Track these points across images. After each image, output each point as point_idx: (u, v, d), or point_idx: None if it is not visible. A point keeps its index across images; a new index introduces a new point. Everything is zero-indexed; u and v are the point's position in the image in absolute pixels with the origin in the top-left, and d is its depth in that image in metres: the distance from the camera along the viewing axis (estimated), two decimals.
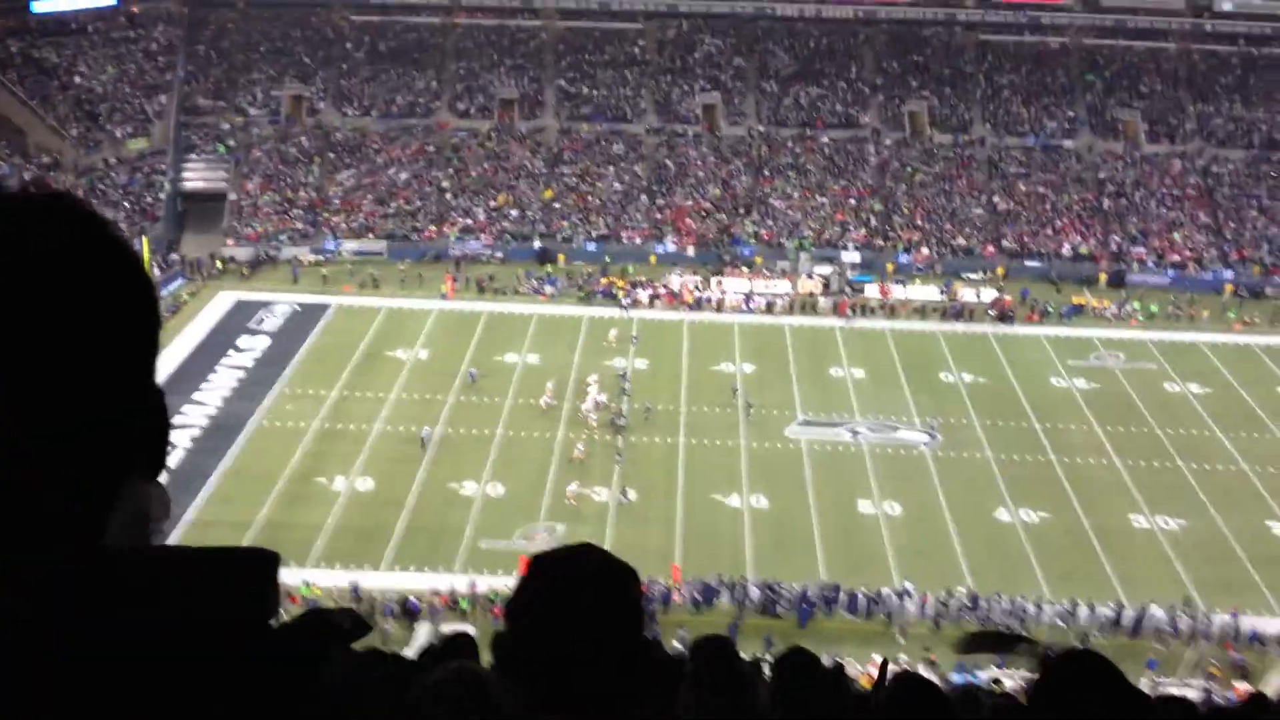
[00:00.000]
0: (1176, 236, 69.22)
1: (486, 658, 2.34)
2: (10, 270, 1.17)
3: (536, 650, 2.11)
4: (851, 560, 40.41)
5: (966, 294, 63.36)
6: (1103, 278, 66.50)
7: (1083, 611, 37.35)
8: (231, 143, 71.62)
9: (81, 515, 1.24)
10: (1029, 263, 67.77)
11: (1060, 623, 37.09)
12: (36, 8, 70.85)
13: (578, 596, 2.13)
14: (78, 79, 70.61)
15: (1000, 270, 66.67)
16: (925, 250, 68.16)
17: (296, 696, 1.23)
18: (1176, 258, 68.01)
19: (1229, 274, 66.74)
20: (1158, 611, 37.52)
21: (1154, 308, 62.64)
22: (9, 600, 1.11)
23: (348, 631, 1.38)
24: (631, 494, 43.81)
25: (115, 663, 1.11)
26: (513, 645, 2.14)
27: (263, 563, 1.33)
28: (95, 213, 1.29)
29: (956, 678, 30.42)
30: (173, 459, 45.11)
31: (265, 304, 60.12)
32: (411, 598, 36.66)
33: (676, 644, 28.30)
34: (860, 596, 37.94)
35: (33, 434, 1.19)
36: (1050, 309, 62.26)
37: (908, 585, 38.53)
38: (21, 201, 1.22)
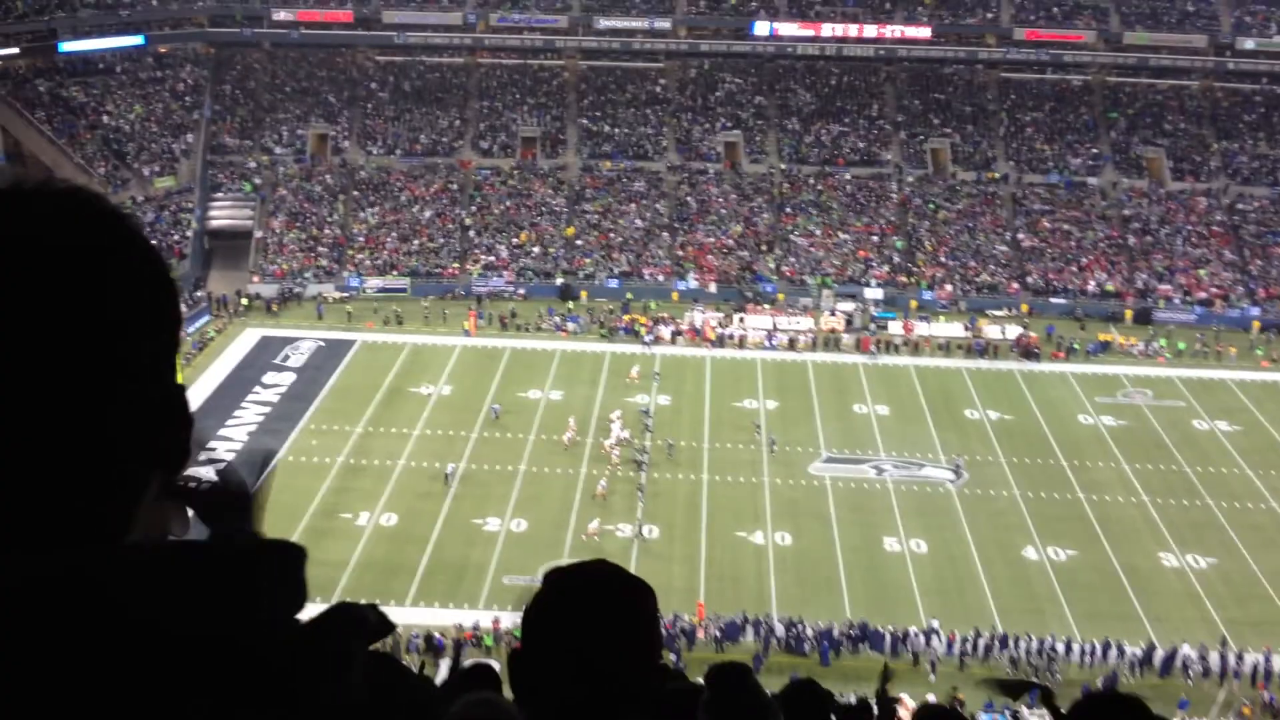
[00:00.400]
0: (1203, 273, 68.91)
1: (508, 691, 2.30)
2: (38, 263, 1.15)
3: (551, 663, 2.08)
4: (877, 598, 40.10)
5: (991, 330, 63.14)
6: (1129, 315, 66.20)
7: (1112, 651, 36.89)
8: (257, 181, 72.23)
9: (107, 512, 1.23)
10: (1054, 299, 67.54)
11: (1089, 662, 36.66)
12: (65, 47, 71.87)
13: (591, 609, 2.10)
14: (105, 118, 71.46)
15: (1025, 307, 66.45)
16: (949, 287, 68.03)
17: (323, 691, 1.21)
18: (1203, 294, 67.67)
19: (1256, 311, 66.33)
20: (1188, 651, 37.03)
21: (1181, 345, 62.28)
22: (40, 595, 1.09)
23: (373, 627, 1.34)
24: (648, 530, 43.62)
25: (142, 655, 1.09)
26: (528, 660, 2.09)
27: (291, 556, 1.30)
28: (117, 208, 1.24)
29: (985, 718, 30.08)
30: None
31: (290, 340, 60.40)
32: (436, 634, 36.53)
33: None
34: (886, 634, 37.58)
35: (60, 429, 1.16)
36: (1076, 346, 61.95)
37: (934, 623, 38.17)
38: (43, 194, 1.19)
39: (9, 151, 66.34)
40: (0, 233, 1.15)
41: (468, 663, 23.28)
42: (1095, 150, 76.86)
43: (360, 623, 1.31)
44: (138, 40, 75.02)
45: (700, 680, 4.63)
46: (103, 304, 1.18)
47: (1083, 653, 36.99)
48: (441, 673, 34.07)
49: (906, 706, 19.77)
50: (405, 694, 1.31)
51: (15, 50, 69.69)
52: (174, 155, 71.73)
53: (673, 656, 34.71)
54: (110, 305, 1.19)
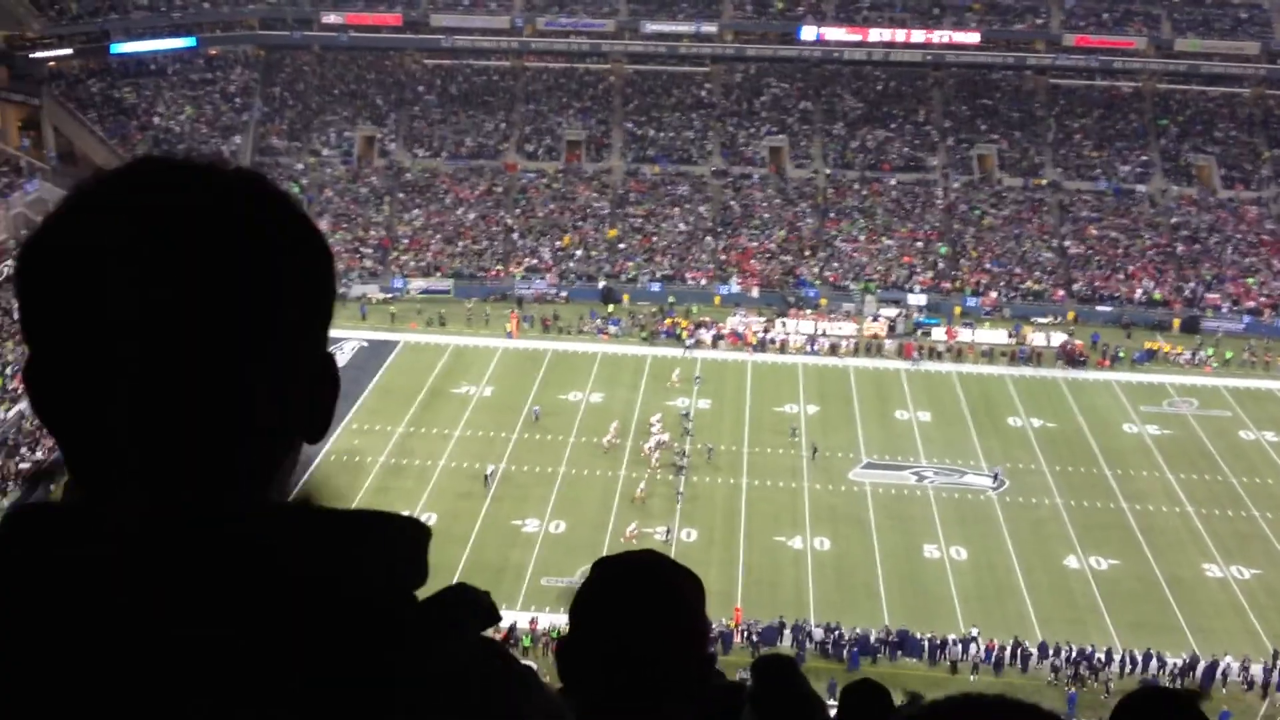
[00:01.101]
0: (1252, 282, 67.97)
1: (556, 682, 2.35)
2: (220, 231, 1.22)
3: (595, 649, 2.10)
4: (916, 605, 39.86)
5: (1036, 338, 62.61)
6: (1176, 323, 65.42)
7: (1153, 661, 36.50)
8: (305, 182, 72.88)
9: (260, 471, 1.29)
10: (1100, 307, 66.87)
11: (1130, 673, 36.28)
12: (117, 49, 72.85)
13: (635, 595, 2.13)
14: (156, 119, 72.39)
15: (1071, 315, 65.85)
16: (993, 294, 67.54)
17: (435, 659, 1.26)
18: (1252, 304, 66.76)
19: None
20: (1231, 662, 36.58)
21: (1229, 354, 61.46)
22: (196, 546, 1.17)
23: (485, 611, 1.39)
24: (686, 533, 43.61)
25: (275, 615, 1.16)
26: (573, 646, 2.14)
27: (418, 532, 1.36)
28: (282, 187, 1.34)
29: None
30: None
31: (334, 340, 60.71)
32: None
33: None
34: (925, 642, 37.38)
35: (230, 387, 1.23)
36: (1122, 354, 61.31)
37: (974, 631, 37.92)
38: (219, 170, 1.28)
39: (61, 151, 67.34)
40: (185, 202, 1.23)
41: None
42: (1144, 157, 76.04)
43: (474, 604, 1.37)
44: (189, 42, 75.92)
45: (739, 678, 4.66)
46: (282, 274, 1.26)
47: (1123, 662, 36.61)
48: None
49: None
50: (506, 681, 1.39)
51: (69, 51, 70.71)
52: (223, 156, 72.35)
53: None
54: (287, 275, 1.27)
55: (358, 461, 48.40)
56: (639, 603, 2.11)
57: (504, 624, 37.33)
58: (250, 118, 75.17)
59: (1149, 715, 3.05)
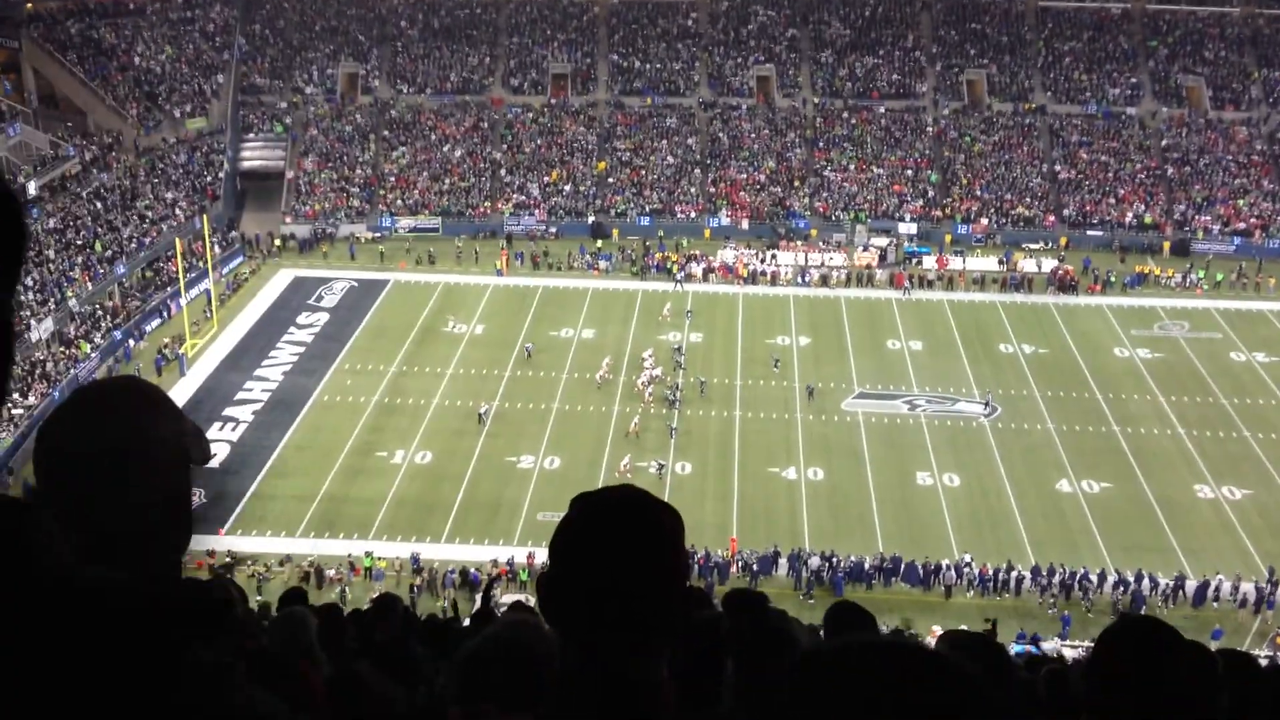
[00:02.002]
0: (1242, 204, 67.87)
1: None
2: None
3: (576, 585, 2.10)
4: (910, 532, 40.18)
5: (1027, 264, 62.56)
6: (1167, 246, 65.42)
7: (1145, 582, 36.88)
8: (288, 121, 72.18)
9: None
10: (1091, 232, 66.81)
11: (1122, 593, 36.69)
12: None
13: (615, 531, 2.12)
14: (137, 59, 71.45)
15: (1062, 240, 65.77)
16: (984, 221, 67.37)
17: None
18: (1242, 225, 66.71)
19: None
20: (1223, 581, 36.98)
21: (1219, 276, 61.53)
22: None
23: (200, 615, 1.32)
24: (680, 467, 43.82)
25: None
26: (554, 582, 2.13)
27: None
28: None
29: (1017, 648, 30.18)
30: (236, 433, 45.82)
31: (324, 281, 60.67)
32: (473, 569, 37.00)
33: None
34: (919, 568, 37.71)
35: None
36: (1113, 278, 61.32)
37: (966, 557, 38.25)
38: None
39: (42, 94, 66.55)
40: None
41: (506, 600, 23.45)
42: (1134, 80, 75.55)
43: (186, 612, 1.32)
44: None
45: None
46: None
47: (1115, 584, 36.99)
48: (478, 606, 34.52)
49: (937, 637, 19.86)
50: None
51: None
52: (205, 96, 71.75)
53: (704, 584, 34.99)
54: None
55: (351, 402, 48.45)
56: (620, 539, 2.10)
57: (502, 559, 37.62)
58: (231, 56, 74.26)
59: (1132, 645, 3.06)
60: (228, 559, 37.26)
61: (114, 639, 1.18)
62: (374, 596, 11.62)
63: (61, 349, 49.63)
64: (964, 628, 32.52)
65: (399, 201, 68.40)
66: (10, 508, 1.19)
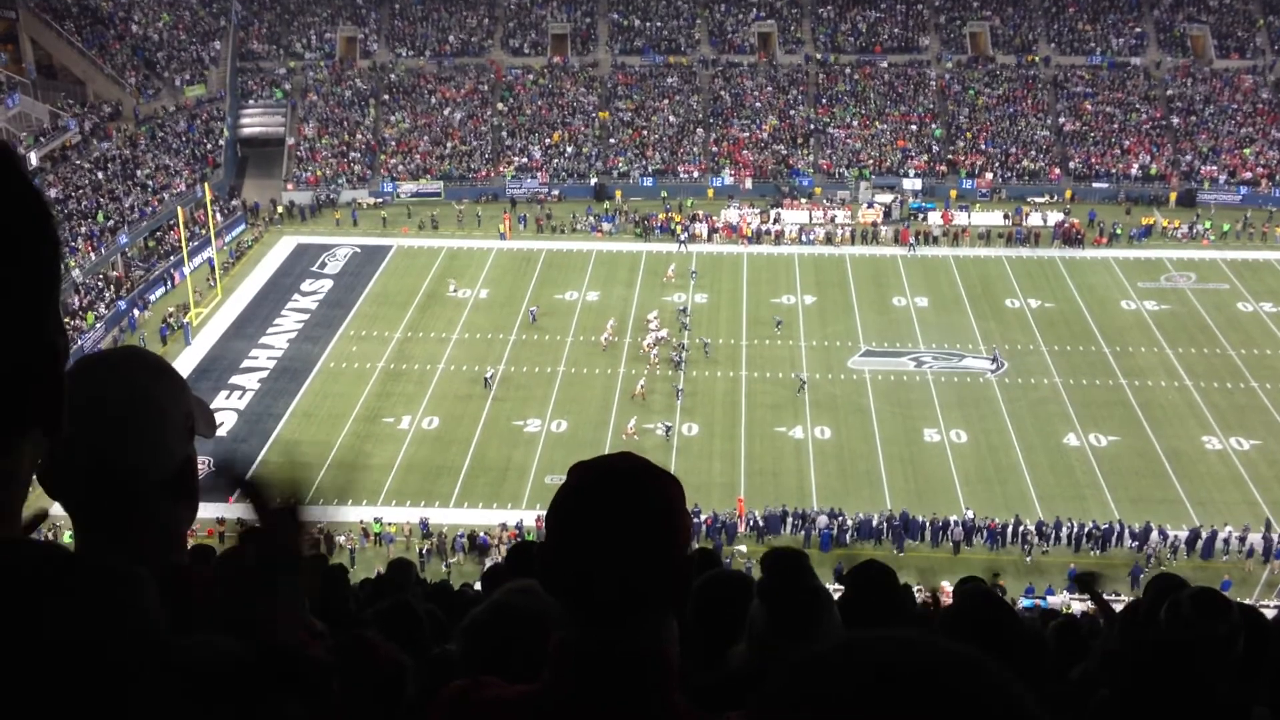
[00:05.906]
0: (1248, 153, 67.43)
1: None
2: None
3: (574, 554, 2.07)
4: (917, 489, 40.22)
5: (1032, 218, 62.28)
6: (1173, 197, 65.08)
7: (1154, 534, 36.91)
8: (287, 87, 71.83)
9: None
10: (1096, 184, 66.46)
11: (1132, 545, 36.74)
12: None
13: (614, 498, 2.08)
14: (134, 27, 71.04)
15: (1068, 193, 65.45)
16: (989, 175, 67.02)
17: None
18: (1248, 175, 66.31)
19: None
20: (1231, 532, 37.01)
21: (1225, 226, 61.23)
22: None
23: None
24: (687, 428, 43.83)
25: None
26: (555, 551, 2.11)
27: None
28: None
29: (1025, 603, 30.26)
30: (243, 400, 45.88)
31: (327, 247, 60.56)
32: (482, 533, 37.12)
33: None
34: (926, 524, 37.76)
35: None
36: (1119, 231, 61.05)
37: (969, 514, 38.26)
38: None
39: (40, 64, 66.21)
40: None
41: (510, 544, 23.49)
42: (1138, 29, 74.89)
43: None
44: None
45: (745, 568, 4.64)
46: None
47: (1123, 536, 37.02)
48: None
49: (946, 593, 19.90)
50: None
51: None
52: (203, 63, 71.38)
53: (711, 544, 35.07)
54: None
55: (357, 368, 48.48)
56: (618, 509, 2.06)
57: (511, 522, 37.73)
58: (228, 22, 73.80)
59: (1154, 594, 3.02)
60: (238, 527, 37.35)
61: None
62: (390, 561, 11.66)
63: (67, 320, 49.66)
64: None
65: (400, 166, 68.16)
66: (111, 575, 1.14)
